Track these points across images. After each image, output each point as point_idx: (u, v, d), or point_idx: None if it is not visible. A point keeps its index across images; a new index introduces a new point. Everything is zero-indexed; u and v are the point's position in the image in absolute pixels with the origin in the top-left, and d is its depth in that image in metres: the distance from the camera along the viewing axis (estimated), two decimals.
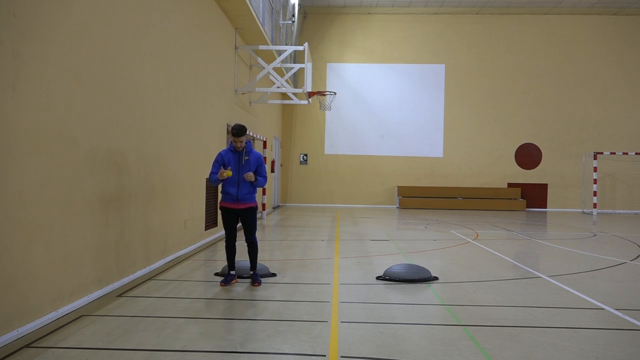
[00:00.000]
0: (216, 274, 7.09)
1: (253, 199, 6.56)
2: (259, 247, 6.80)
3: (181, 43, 8.58)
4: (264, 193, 16.04)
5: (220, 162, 6.47)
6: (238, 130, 6.36)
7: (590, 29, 22.40)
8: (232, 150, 6.50)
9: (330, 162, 22.81)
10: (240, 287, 6.39)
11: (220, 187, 6.73)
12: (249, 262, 6.78)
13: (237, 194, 6.45)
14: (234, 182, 6.44)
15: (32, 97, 4.45)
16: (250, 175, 6.34)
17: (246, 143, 6.50)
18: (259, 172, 6.54)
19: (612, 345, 4.43)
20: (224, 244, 6.69)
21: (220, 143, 11.21)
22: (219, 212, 6.50)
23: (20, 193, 4.33)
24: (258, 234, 12.46)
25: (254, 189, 6.56)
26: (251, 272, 6.68)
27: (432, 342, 4.42)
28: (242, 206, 6.50)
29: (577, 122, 22.43)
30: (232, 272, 6.61)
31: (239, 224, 6.62)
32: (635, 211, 21.82)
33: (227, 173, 6.27)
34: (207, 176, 10.24)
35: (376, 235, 12.22)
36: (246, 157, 6.47)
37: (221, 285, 6.44)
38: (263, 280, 6.76)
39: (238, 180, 6.43)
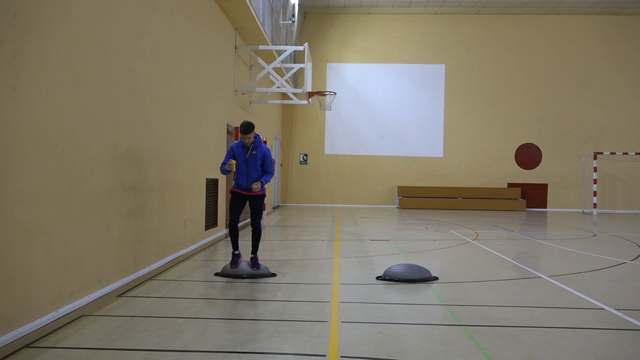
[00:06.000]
0: (216, 274, 7.08)
1: (262, 188, 7.12)
2: (260, 246, 6.92)
3: (181, 43, 8.58)
4: None
5: (230, 154, 7.02)
6: (245, 128, 6.85)
7: (590, 29, 22.40)
8: (242, 145, 6.99)
9: (330, 162, 22.81)
10: (240, 288, 6.39)
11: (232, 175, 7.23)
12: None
13: (246, 185, 7.00)
14: (243, 175, 6.99)
15: (32, 97, 4.45)
16: (256, 186, 6.91)
17: (255, 137, 7.00)
18: (265, 166, 7.08)
19: (612, 345, 4.43)
20: (228, 227, 7.06)
21: (220, 143, 11.22)
22: (229, 195, 7.15)
23: (20, 193, 4.33)
24: None
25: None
26: (251, 256, 7.07)
27: (432, 342, 4.42)
28: (252, 193, 7.06)
29: (577, 122, 22.44)
30: (237, 252, 7.03)
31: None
32: (635, 211, 21.82)
33: (232, 164, 6.87)
34: (207, 176, 10.26)
35: (376, 235, 12.21)
36: (254, 152, 6.96)
37: (232, 267, 6.92)
38: (263, 280, 6.76)
39: (247, 173, 6.98)
